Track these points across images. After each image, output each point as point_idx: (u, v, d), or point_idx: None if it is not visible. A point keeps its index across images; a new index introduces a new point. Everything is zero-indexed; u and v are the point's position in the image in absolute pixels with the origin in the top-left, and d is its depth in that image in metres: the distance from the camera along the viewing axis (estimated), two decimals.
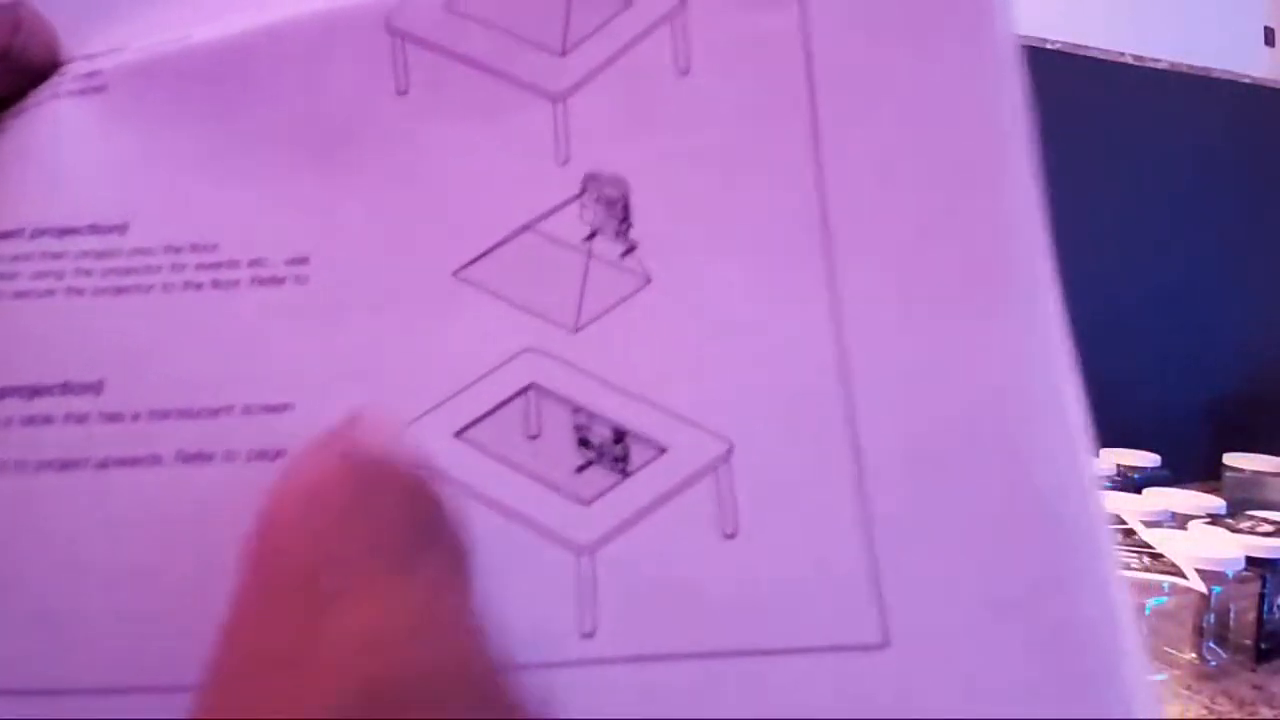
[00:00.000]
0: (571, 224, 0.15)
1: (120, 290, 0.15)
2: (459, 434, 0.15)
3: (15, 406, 0.15)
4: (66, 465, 0.15)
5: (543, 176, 0.15)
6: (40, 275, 0.16)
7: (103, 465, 0.15)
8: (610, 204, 0.15)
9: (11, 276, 0.15)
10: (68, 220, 0.16)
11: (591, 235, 0.15)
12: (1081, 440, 0.14)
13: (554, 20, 0.16)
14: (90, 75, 0.17)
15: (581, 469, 0.14)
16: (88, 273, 0.16)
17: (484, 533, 0.13)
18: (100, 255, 0.16)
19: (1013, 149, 0.15)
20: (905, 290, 0.14)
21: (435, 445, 0.14)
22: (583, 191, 0.15)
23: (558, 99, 0.16)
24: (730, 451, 0.14)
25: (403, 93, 0.16)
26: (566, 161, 0.15)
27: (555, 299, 0.15)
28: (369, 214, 0.16)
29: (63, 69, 0.17)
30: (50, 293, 0.15)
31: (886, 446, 0.14)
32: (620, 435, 0.14)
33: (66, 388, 0.15)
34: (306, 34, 0.16)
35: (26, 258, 0.16)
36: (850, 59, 0.15)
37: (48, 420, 0.15)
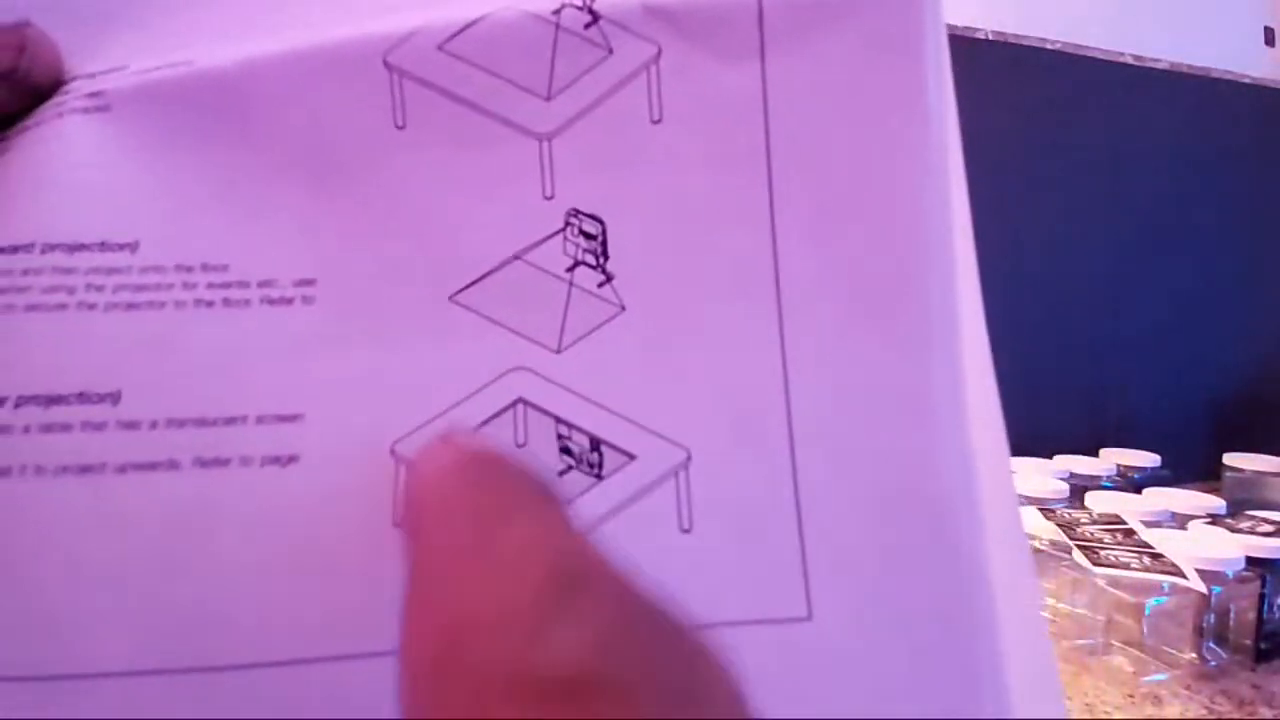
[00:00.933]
0: (556, 255, 0.17)
1: (132, 306, 0.16)
2: None
3: (33, 414, 0.16)
4: (85, 469, 0.16)
5: (529, 210, 0.17)
6: (52, 289, 0.16)
7: (121, 470, 0.16)
8: (590, 238, 0.17)
9: (23, 290, 0.16)
10: (78, 236, 0.17)
11: (573, 266, 0.17)
12: (985, 452, 0.17)
13: (540, 66, 0.17)
14: (94, 95, 0.17)
15: (563, 473, 0.17)
16: (99, 288, 0.16)
17: None
18: (111, 271, 0.16)
19: (940, 207, 0.17)
20: (839, 325, 0.17)
21: None
22: (566, 226, 0.17)
23: (544, 139, 0.17)
24: (689, 459, 0.16)
25: (400, 127, 0.17)
26: (551, 197, 0.17)
27: (541, 323, 0.17)
28: (371, 240, 0.17)
29: (66, 87, 0.18)
30: (62, 306, 0.16)
31: (816, 458, 0.16)
32: (596, 444, 0.17)
33: (83, 397, 0.16)
34: (308, 66, 0.17)
35: (37, 271, 0.16)
36: (803, 116, 0.17)
37: (65, 427, 0.16)
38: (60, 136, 0.17)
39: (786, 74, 0.17)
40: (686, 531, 0.16)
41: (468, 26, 0.17)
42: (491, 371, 0.17)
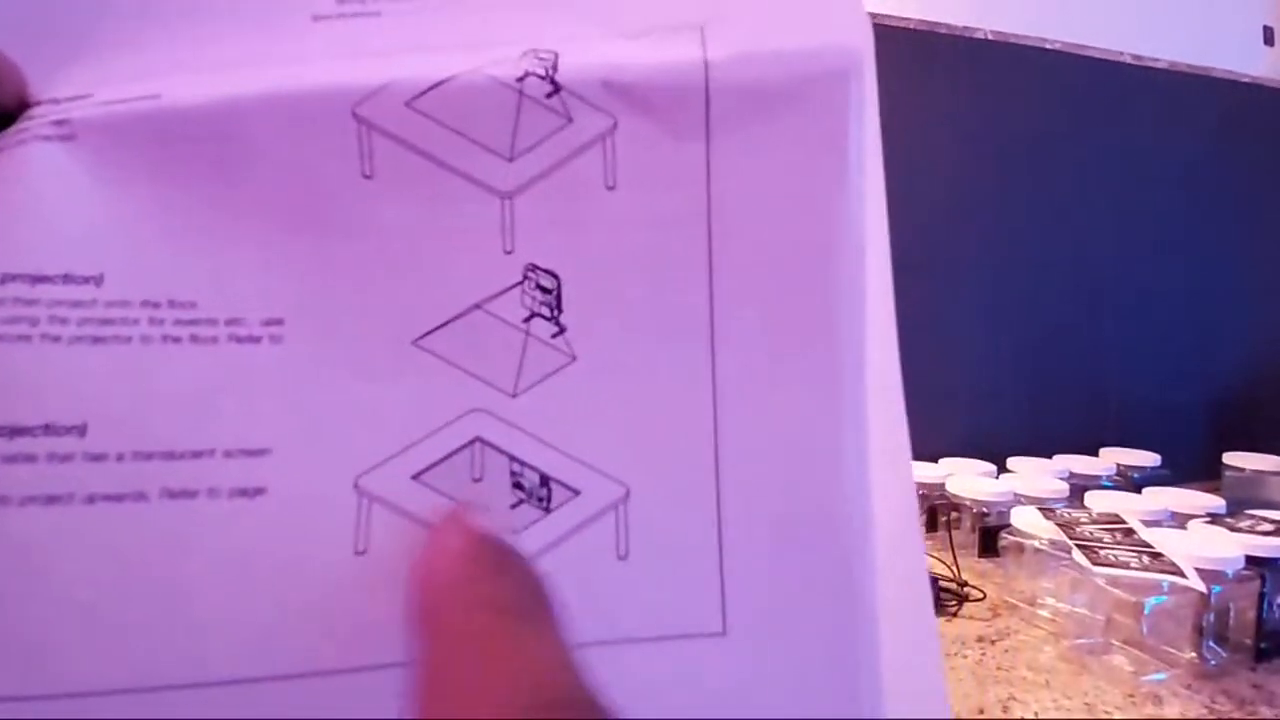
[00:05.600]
0: (514, 306, 0.18)
1: (98, 340, 0.17)
2: (416, 476, 0.18)
3: None
4: (52, 500, 0.16)
5: (490, 263, 0.18)
6: (13, 320, 0.16)
7: (90, 500, 0.16)
8: (546, 292, 0.18)
9: None
10: (40, 268, 0.17)
11: (530, 317, 0.18)
12: (889, 494, 0.19)
13: (504, 128, 0.18)
14: (59, 123, 0.17)
15: (514, 506, 0.18)
16: (63, 320, 0.16)
17: None
18: (75, 304, 0.17)
19: (855, 273, 0.19)
20: (764, 376, 0.18)
21: (396, 485, 0.17)
22: (524, 279, 0.18)
23: (505, 197, 0.18)
24: (628, 494, 0.18)
25: (368, 176, 0.18)
26: (511, 252, 0.18)
27: (498, 369, 0.18)
28: (338, 283, 0.18)
29: (30, 112, 0.17)
30: (25, 338, 0.16)
31: (739, 494, 0.18)
32: (546, 481, 0.18)
33: (49, 429, 0.16)
34: (279, 110, 0.17)
35: None
36: (740, 190, 0.19)
37: (30, 458, 0.16)
38: (23, 164, 0.17)
39: (728, 153, 0.18)
40: (623, 558, 0.18)
41: (436, 85, 0.18)
42: (451, 412, 0.18)
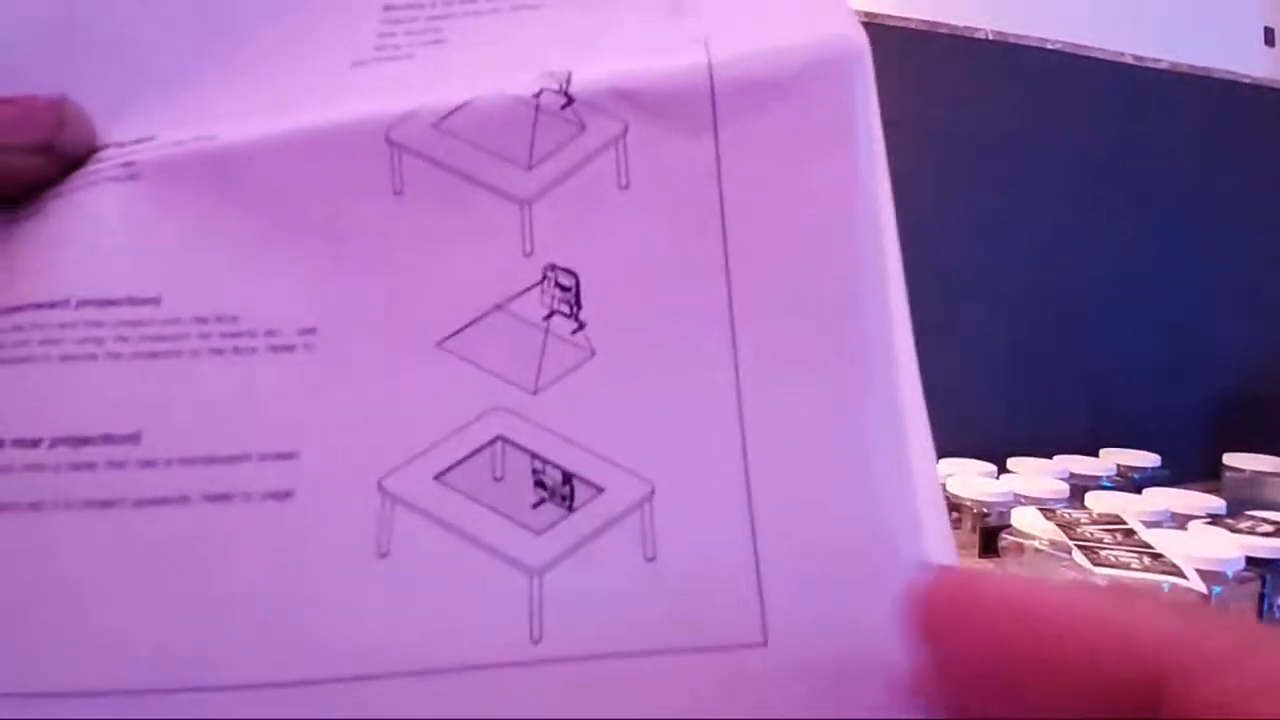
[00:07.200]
0: (534, 305, 0.19)
1: (154, 355, 0.19)
2: (438, 476, 0.18)
3: (65, 454, 0.18)
4: (107, 504, 0.17)
5: (511, 265, 0.19)
6: (84, 340, 0.18)
7: (139, 504, 0.17)
8: (565, 290, 0.19)
9: (59, 341, 0.19)
10: (108, 293, 0.19)
11: (549, 315, 0.19)
12: (920, 493, 0.18)
13: (522, 141, 0.20)
14: (127, 165, 0.20)
15: (536, 505, 0.18)
16: (125, 339, 0.19)
17: (454, 556, 0.17)
18: (136, 324, 0.19)
19: (875, 260, 0.19)
20: (790, 366, 0.18)
21: (419, 485, 0.18)
22: (543, 279, 0.19)
23: (524, 203, 0.19)
24: (653, 492, 0.18)
25: (398, 193, 0.19)
26: (530, 254, 0.19)
27: (520, 367, 0.19)
28: (368, 292, 0.19)
29: (99, 155, 0.20)
30: (93, 356, 0.18)
31: (769, 491, 0.18)
32: (568, 478, 0.18)
33: (108, 438, 0.18)
34: (318, 141, 0.20)
35: (72, 325, 0.19)
36: (752, 182, 0.19)
37: (91, 466, 0.18)
38: (95, 203, 0.19)
39: (737, 146, 0.19)
40: (650, 560, 0.18)
41: (459, 108, 0.20)
42: (473, 411, 0.18)
